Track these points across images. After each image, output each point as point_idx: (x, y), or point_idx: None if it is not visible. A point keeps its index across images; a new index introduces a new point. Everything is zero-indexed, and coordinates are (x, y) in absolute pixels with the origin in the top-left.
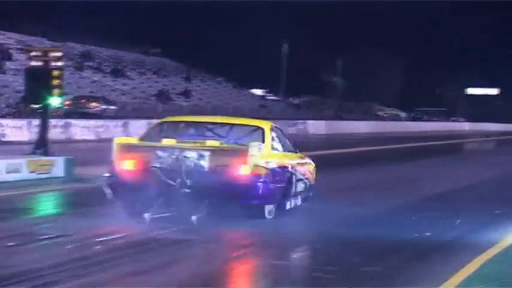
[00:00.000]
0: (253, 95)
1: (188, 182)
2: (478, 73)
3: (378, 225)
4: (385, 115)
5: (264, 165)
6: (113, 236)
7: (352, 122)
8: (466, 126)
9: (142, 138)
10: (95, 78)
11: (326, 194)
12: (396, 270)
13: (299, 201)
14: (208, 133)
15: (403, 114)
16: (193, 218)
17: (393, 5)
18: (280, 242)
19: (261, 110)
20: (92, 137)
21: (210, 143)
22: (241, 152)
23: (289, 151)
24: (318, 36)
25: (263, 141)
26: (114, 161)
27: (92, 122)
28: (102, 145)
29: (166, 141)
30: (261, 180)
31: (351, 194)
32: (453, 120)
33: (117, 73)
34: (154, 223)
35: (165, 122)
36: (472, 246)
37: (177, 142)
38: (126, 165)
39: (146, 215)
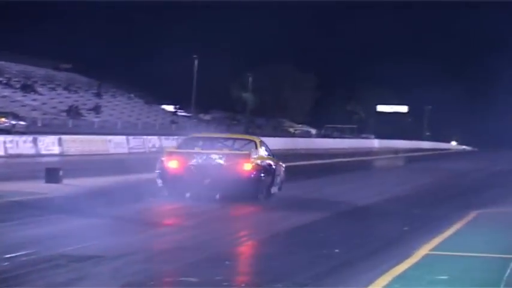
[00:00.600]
0: (164, 110)
1: (211, 174)
2: (389, 91)
3: (285, 242)
4: (295, 131)
5: (259, 163)
6: (21, 253)
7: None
8: (375, 143)
9: (178, 147)
10: (5, 94)
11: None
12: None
13: (277, 189)
14: (220, 144)
15: (313, 131)
16: (217, 196)
17: (305, 21)
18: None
19: (172, 126)
20: (0, 152)
21: (225, 150)
22: (245, 155)
23: (270, 156)
24: (229, 53)
25: (256, 149)
26: (164, 161)
27: (1, 138)
28: (11, 161)
29: (197, 149)
30: (257, 173)
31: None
32: (363, 137)
33: (27, 88)
34: (60, 239)
35: (192, 137)
36: (381, 263)
37: (203, 149)
38: (172, 164)
39: (187, 195)
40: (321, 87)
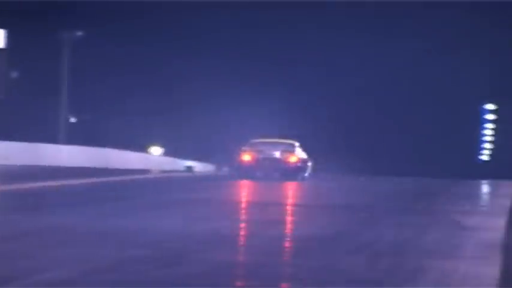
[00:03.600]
0: None
1: (272, 164)
2: None
3: None
4: None
5: (299, 157)
6: None
7: None
8: None
9: (249, 146)
10: None
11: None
12: None
13: (308, 175)
14: (274, 144)
15: None
16: (276, 175)
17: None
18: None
19: None
20: None
21: (279, 148)
22: (291, 152)
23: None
24: None
25: (295, 148)
26: (240, 156)
27: None
28: None
29: (261, 148)
30: (297, 163)
31: None
32: None
33: None
34: None
35: (256, 141)
36: None
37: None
38: (246, 158)
39: (257, 175)
40: None
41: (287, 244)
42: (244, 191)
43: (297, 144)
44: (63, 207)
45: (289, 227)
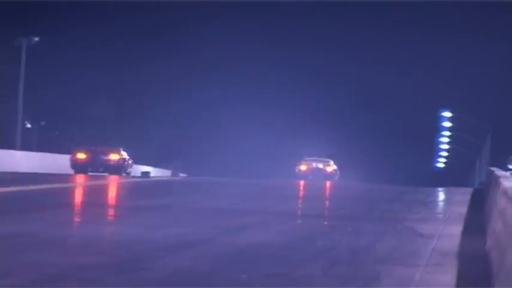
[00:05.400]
0: None
1: (318, 171)
2: None
3: None
4: None
5: (333, 167)
6: None
7: None
8: None
9: (304, 161)
10: None
11: None
12: None
13: (337, 178)
14: (318, 159)
15: None
16: (321, 179)
17: None
18: None
19: None
20: None
21: (321, 161)
22: (329, 164)
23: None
24: None
25: (330, 161)
26: (299, 166)
27: None
28: None
29: (312, 161)
30: (333, 171)
31: None
32: None
33: None
34: None
35: (304, 159)
36: None
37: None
38: (303, 168)
39: (310, 178)
40: None
41: (244, 250)
42: (205, 196)
43: (331, 158)
44: (18, 214)
45: (247, 233)
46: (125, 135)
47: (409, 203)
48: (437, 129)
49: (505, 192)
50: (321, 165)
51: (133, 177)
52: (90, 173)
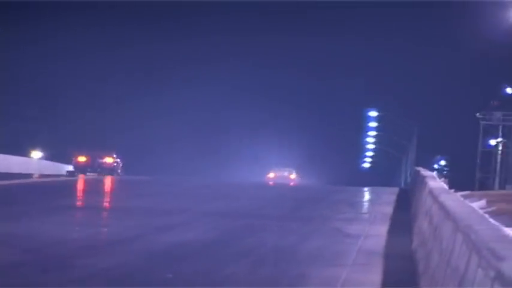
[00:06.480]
0: None
1: (283, 178)
2: None
3: None
4: None
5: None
6: None
7: None
8: None
9: (272, 169)
10: None
11: None
12: None
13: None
14: (283, 168)
15: None
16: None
17: None
18: None
19: None
20: None
21: (286, 169)
22: (291, 172)
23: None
24: None
25: (293, 170)
26: (268, 174)
27: None
28: None
29: (277, 169)
30: (293, 177)
31: None
32: None
33: None
34: None
35: (273, 169)
36: None
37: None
38: (271, 175)
39: (272, 183)
40: None
41: (170, 249)
42: (130, 194)
43: (293, 170)
44: None
45: (174, 231)
46: (50, 133)
47: (336, 203)
48: (363, 129)
49: (431, 192)
50: (286, 173)
51: (58, 176)
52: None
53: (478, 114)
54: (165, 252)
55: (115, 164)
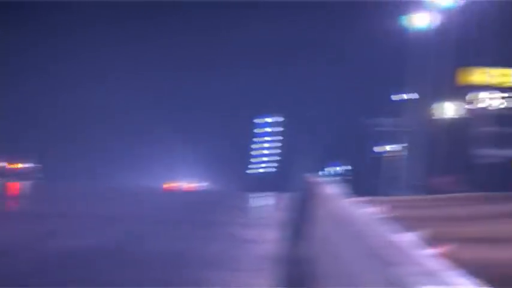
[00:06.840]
0: None
1: None
2: None
3: None
4: None
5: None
6: None
7: None
8: None
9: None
10: None
11: None
12: None
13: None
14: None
15: None
16: None
17: None
18: None
19: None
20: None
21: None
22: (191, 181)
23: None
24: None
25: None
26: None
27: None
28: None
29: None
30: (193, 187)
31: None
32: None
33: None
34: None
35: (173, 180)
36: None
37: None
38: (169, 185)
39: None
40: None
41: (54, 256)
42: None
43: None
44: None
45: (58, 238)
46: None
47: (231, 208)
48: (259, 135)
49: (325, 199)
50: (185, 184)
51: None
52: None
53: (367, 120)
54: (51, 258)
55: (24, 170)
